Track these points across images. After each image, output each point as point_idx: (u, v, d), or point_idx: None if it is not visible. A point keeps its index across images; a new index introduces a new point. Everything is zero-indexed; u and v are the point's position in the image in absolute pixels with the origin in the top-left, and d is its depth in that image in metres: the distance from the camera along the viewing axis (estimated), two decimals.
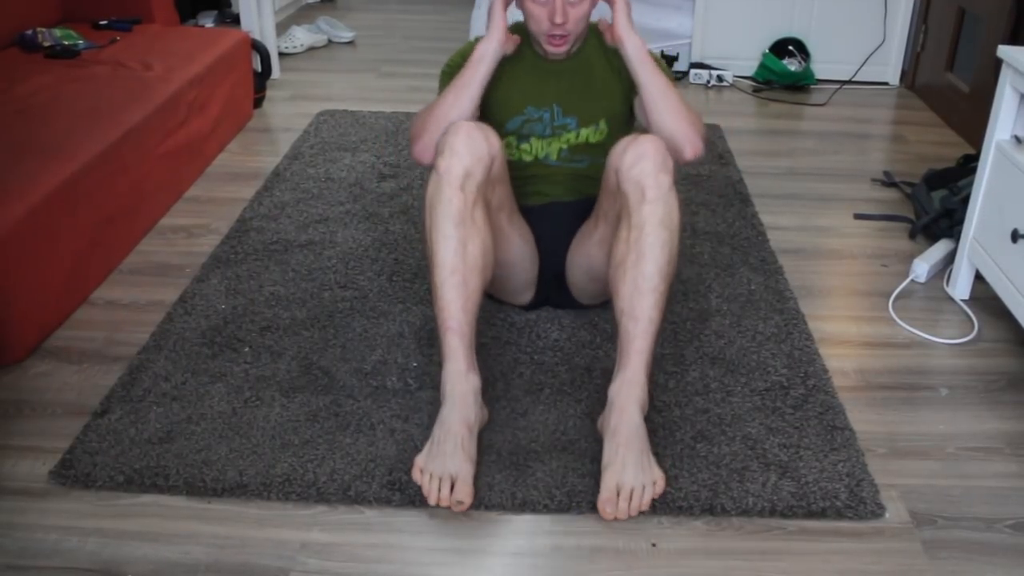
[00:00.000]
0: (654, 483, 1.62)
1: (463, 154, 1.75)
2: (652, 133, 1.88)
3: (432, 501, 1.61)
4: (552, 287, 2.14)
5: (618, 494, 1.60)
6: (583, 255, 2.03)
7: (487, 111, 2.02)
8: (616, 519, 1.60)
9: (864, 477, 1.70)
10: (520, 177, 2.06)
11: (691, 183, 2.90)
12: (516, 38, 1.98)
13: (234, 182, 2.92)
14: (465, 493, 1.60)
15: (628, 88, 2.01)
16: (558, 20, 1.87)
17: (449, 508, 1.61)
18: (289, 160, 3.04)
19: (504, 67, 1.98)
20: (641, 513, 1.61)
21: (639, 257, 1.72)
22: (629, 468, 1.61)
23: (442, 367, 1.73)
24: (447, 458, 1.62)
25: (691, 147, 1.87)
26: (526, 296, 2.17)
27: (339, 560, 1.53)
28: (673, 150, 1.86)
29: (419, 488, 1.64)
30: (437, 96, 1.99)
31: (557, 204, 2.09)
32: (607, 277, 1.81)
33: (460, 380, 1.71)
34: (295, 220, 2.64)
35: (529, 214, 2.07)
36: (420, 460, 1.65)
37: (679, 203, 1.77)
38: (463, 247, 1.74)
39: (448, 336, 1.73)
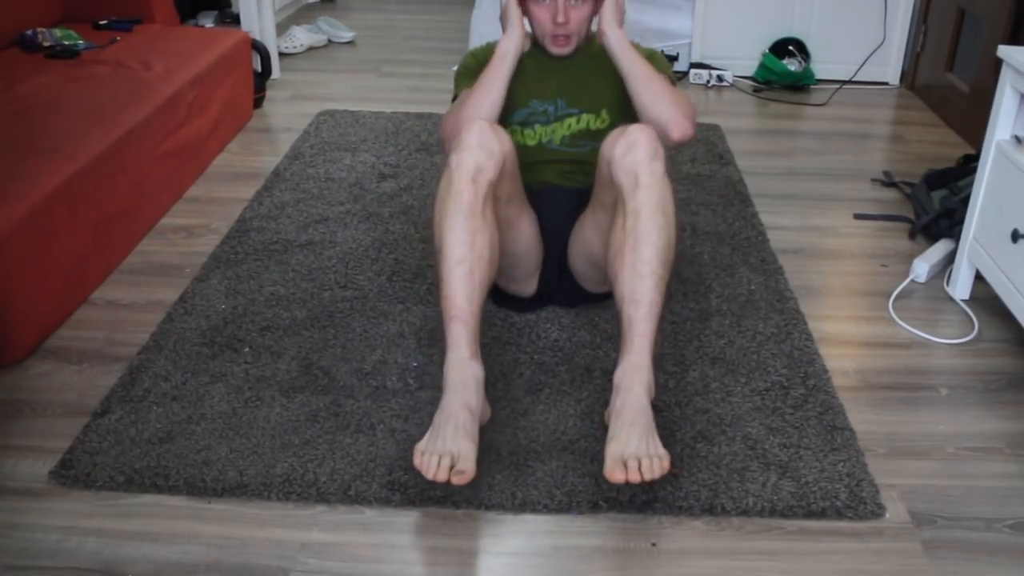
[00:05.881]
0: (660, 458, 1.55)
1: (475, 149, 1.78)
2: (642, 121, 1.92)
3: (430, 475, 1.53)
4: (555, 274, 2.14)
5: (625, 465, 1.54)
6: (582, 242, 2.05)
7: None
8: (628, 482, 1.53)
9: (864, 477, 1.70)
10: (523, 163, 2.04)
11: (691, 183, 2.90)
12: (528, 32, 2.06)
13: (234, 182, 2.92)
14: (467, 467, 1.54)
15: None
16: (560, 20, 1.97)
17: (447, 482, 1.54)
18: (289, 160, 3.04)
19: None
20: (646, 496, 1.56)
21: (637, 242, 1.72)
22: (633, 440, 1.56)
23: (445, 357, 1.70)
24: (448, 440, 1.57)
25: (678, 127, 1.91)
26: (530, 285, 2.16)
27: (339, 560, 1.53)
28: (661, 133, 1.89)
29: (418, 484, 1.62)
30: (458, 95, 2.07)
31: (558, 189, 2.12)
32: (606, 266, 1.81)
33: (463, 367, 1.68)
34: (295, 220, 2.64)
35: (532, 198, 2.09)
36: (421, 445, 1.59)
37: (672, 191, 1.79)
38: (472, 239, 1.74)
39: (452, 324, 1.70)
